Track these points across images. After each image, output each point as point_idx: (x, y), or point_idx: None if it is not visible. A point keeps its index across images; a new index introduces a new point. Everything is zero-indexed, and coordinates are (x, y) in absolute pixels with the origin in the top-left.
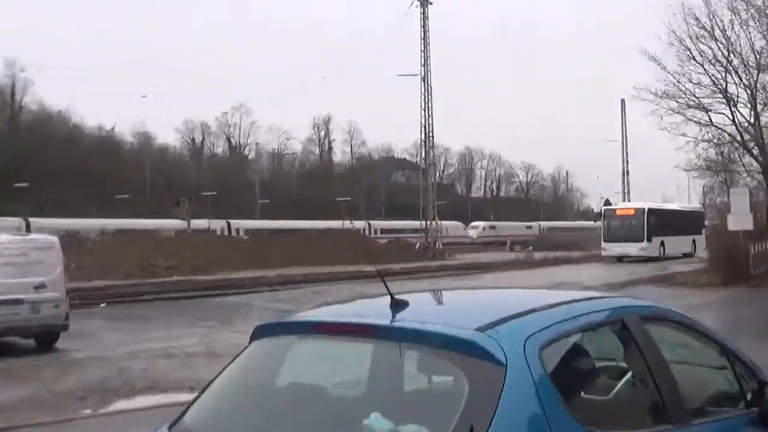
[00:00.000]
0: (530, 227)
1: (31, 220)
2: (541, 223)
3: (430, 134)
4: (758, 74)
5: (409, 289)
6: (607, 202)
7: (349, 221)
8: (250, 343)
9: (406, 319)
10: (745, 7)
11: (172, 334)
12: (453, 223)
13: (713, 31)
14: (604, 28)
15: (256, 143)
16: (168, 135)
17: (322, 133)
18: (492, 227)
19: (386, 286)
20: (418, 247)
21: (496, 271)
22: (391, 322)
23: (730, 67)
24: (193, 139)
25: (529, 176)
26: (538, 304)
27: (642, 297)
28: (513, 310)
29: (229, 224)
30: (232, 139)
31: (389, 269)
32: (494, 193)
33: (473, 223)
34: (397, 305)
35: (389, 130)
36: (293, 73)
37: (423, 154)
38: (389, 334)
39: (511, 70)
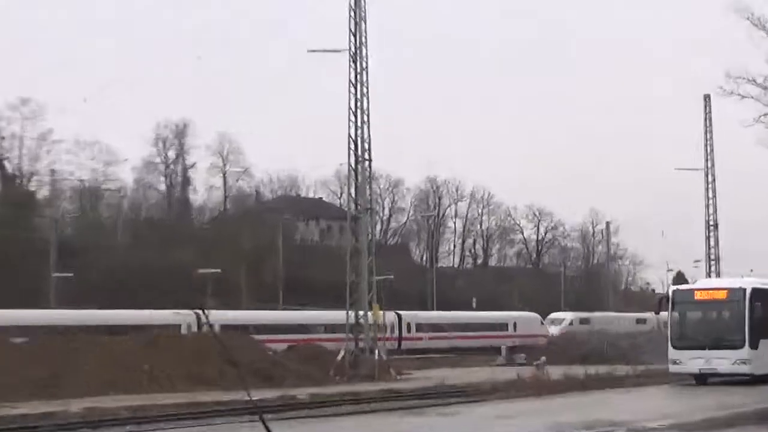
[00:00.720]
0: (643, 321)
1: None
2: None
3: (366, 156)
4: None
5: None
6: (680, 278)
7: (203, 313)
8: None
9: None
10: None
11: None
12: (524, 314)
13: None
14: None
15: (52, 170)
16: None
17: (171, 154)
18: (584, 320)
19: None
20: (342, 357)
21: (482, 401)
22: None
23: None
24: None
25: (542, 231)
26: None
27: None
28: None
29: (199, 316)
30: (6, 162)
31: (290, 399)
32: (478, 260)
33: (555, 315)
34: None
35: (293, 149)
36: (125, 52)
37: (352, 191)
38: None
39: (510, 60)
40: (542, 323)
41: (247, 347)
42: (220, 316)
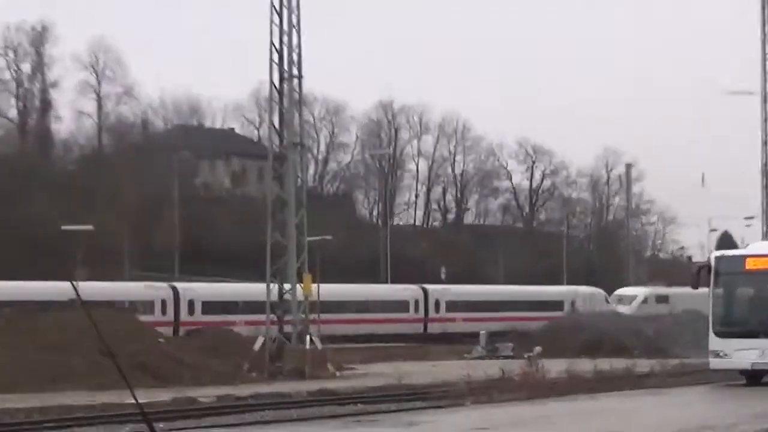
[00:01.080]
0: None
1: None
2: None
3: (294, 71)
4: None
5: None
6: (726, 241)
7: (72, 285)
8: None
9: None
10: None
11: None
12: (585, 290)
13: None
14: None
15: None
16: None
17: (26, 67)
18: (662, 298)
19: None
20: (260, 346)
21: (452, 407)
22: None
23: None
24: None
25: (538, 177)
26: None
27: None
28: None
29: (176, 291)
30: None
31: (188, 403)
32: (448, 216)
33: (623, 291)
34: None
35: (195, 62)
36: None
37: (275, 120)
38: None
39: None
40: (607, 301)
41: (133, 332)
42: (201, 292)
